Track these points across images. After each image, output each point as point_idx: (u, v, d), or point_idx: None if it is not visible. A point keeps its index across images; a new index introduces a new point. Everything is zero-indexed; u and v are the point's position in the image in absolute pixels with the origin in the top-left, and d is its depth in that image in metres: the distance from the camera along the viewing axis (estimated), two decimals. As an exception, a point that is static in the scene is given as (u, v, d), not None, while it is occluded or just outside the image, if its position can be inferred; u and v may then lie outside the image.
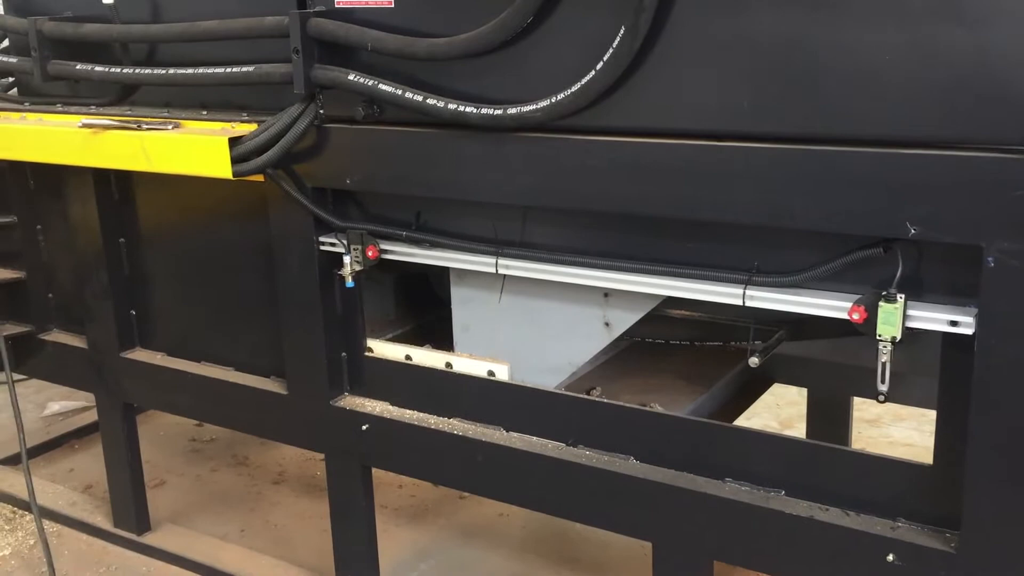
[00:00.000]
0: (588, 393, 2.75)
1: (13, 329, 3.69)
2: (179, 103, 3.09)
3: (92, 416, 4.87)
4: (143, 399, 3.56)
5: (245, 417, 3.20)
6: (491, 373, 2.74)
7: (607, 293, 2.57)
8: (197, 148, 2.76)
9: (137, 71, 2.97)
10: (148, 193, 3.31)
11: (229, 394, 3.17)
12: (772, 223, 2.07)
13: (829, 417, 3.46)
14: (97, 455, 4.52)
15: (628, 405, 2.53)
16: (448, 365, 2.80)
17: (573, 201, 2.30)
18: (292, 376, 2.99)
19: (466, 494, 3.93)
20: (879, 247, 2.01)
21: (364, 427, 2.84)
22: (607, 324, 2.63)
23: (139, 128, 2.88)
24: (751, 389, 3.17)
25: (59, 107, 3.29)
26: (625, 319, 2.60)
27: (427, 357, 2.85)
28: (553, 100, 2.20)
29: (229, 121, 2.83)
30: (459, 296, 2.82)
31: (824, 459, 2.24)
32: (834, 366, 3.09)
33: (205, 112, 2.94)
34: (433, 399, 2.80)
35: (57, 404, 5.09)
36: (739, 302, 2.18)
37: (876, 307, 1.98)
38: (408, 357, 2.86)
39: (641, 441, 2.47)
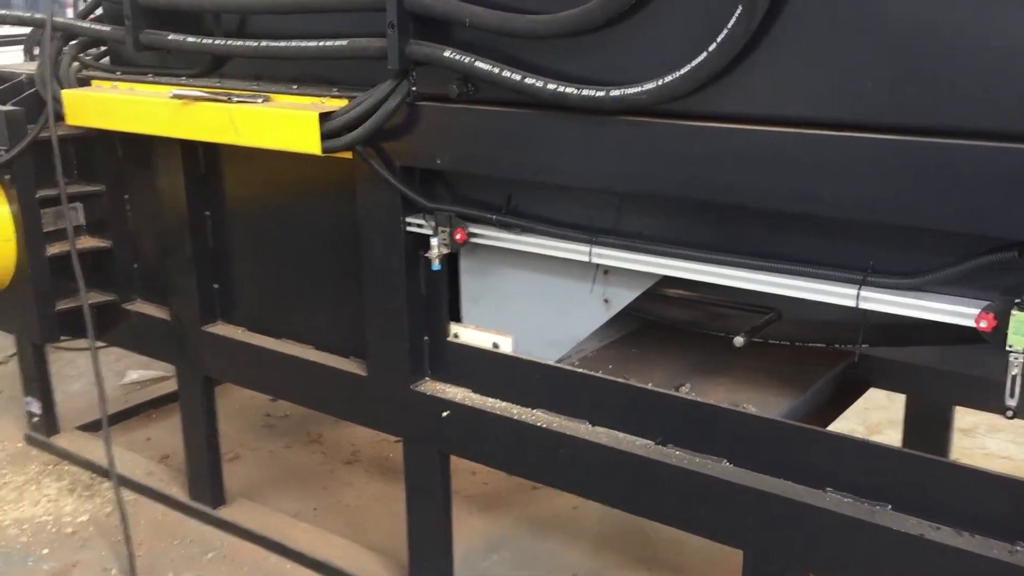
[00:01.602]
0: (676, 390, 2.64)
1: (97, 297, 3.71)
2: (269, 76, 3.04)
3: (170, 386, 4.91)
4: (223, 373, 3.55)
5: (323, 397, 3.16)
6: (496, 345, 2.76)
7: (607, 270, 2.55)
8: (286, 122, 2.70)
9: (229, 42, 2.93)
10: (235, 167, 3.28)
11: (308, 373, 3.13)
12: (895, 221, 1.93)
13: (927, 426, 3.29)
14: (174, 426, 4.56)
15: (722, 405, 2.42)
16: (455, 336, 2.82)
17: (676, 189, 2.19)
18: (373, 358, 2.93)
19: (540, 484, 3.85)
20: (1014, 250, 1.85)
21: (445, 414, 2.78)
22: (606, 301, 2.62)
23: (229, 100, 2.85)
24: (846, 392, 3.02)
25: (150, 77, 3.27)
26: (623, 296, 2.59)
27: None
28: (660, 83, 2.09)
29: (319, 96, 2.77)
30: (467, 268, 2.79)
31: (936, 474, 2.10)
32: (937, 372, 2.93)
33: (296, 86, 2.89)
34: (517, 388, 2.72)
35: (136, 373, 5.15)
36: (851, 303, 2.04)
37: (1008, 315, 1.83)
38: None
39: (735, 444, 2.35)
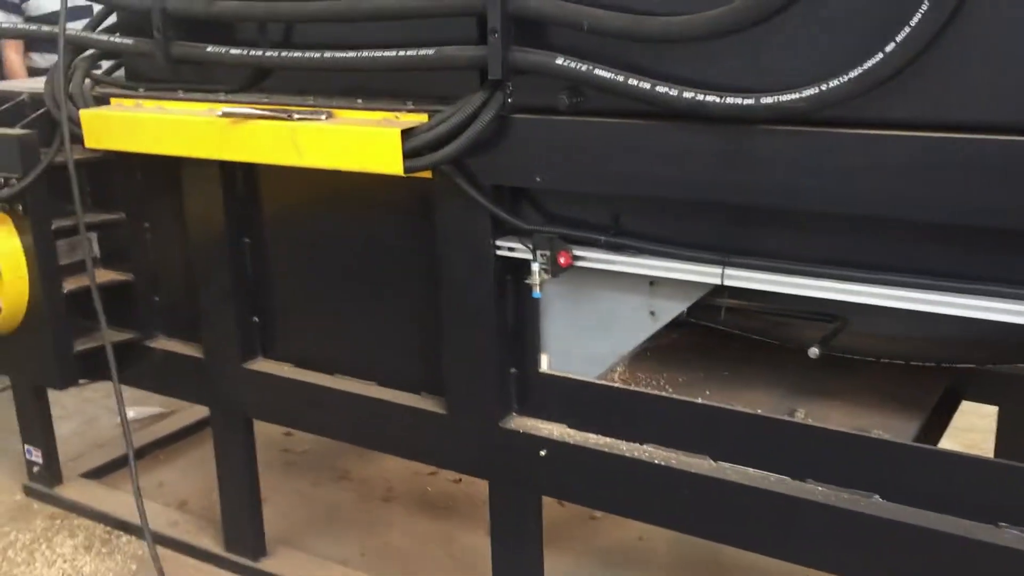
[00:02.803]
0: (791, 416, 2.46)
1: (116, 335, 3.38)
2: (316, 89, 2.77)
3: (173, 424, 4.61)
4: (267, 414, 3.24)
5: (393, 438, 2.89)
6: None
7: (652, 281, 2.41)
8: (361, 141, 2.46)
9: (283, 54, 2.66)
10: (277, 188, 3.00)
11: (374, 412, 2.87)
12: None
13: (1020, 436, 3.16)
14: (184, 467, 4.26)
15: (866, 434, 2.24)
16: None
17: (837, 203, 1.99)
18: (453, 394, 2.69)
19: (598, 514, 3.65)
20: None
21: (542, 452, 2.55)
22: (652, 313, 2.46)
23: (289, 118, 2.58)
24: (945, 410, 2.88)
25: (181, 93, 2.98)
26: (671, 308, 2.44)
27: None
28: (824, 87, 1.89)
29: (391, 111, 2.53)
30: None
31: None
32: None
33: (360, 100, 2.63)
34: (618, 421, 2.51)
35: (132, 411, 4.77)
36: (1045, 321, 1.88)
37: None
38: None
39: (882, 476, 2.18)
